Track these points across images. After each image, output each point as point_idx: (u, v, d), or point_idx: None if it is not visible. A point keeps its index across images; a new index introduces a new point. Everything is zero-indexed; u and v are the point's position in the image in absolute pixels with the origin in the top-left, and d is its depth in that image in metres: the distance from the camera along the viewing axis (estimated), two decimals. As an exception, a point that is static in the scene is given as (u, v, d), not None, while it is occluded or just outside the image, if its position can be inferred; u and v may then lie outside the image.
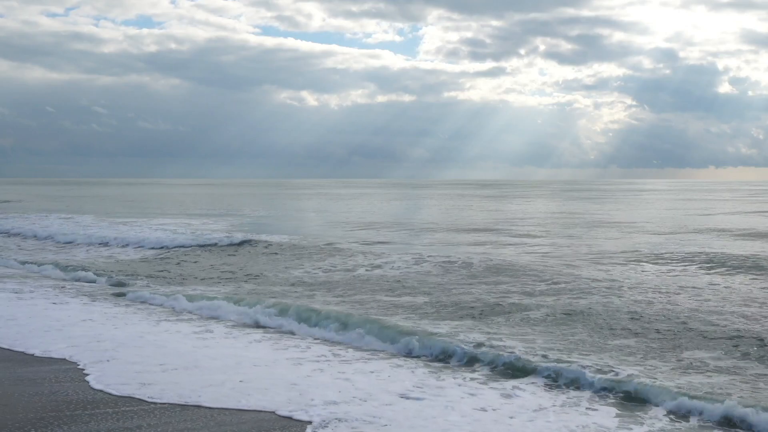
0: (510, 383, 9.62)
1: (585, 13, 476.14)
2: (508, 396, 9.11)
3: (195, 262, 23.55)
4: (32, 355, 10.94)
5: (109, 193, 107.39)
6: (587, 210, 53.91)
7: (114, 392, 9.02)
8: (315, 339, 12.39)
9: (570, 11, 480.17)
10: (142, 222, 38.75)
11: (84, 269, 21.11)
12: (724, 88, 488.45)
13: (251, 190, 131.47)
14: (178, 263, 23.34)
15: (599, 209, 54.78)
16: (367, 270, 20.39)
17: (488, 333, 12.22)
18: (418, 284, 17.78)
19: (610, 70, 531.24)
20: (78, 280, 19.67)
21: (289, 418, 8.21)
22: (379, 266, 20.91)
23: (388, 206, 63.84)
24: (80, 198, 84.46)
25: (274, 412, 8.37)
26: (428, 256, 22.31)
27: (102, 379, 9.60)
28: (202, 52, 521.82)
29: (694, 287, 16.70)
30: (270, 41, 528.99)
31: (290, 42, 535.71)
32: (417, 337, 11.63)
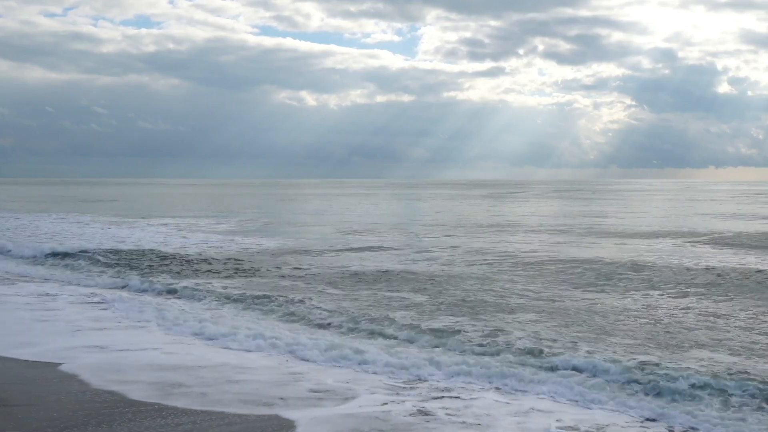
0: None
1: (583, 13, 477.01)
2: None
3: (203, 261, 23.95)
4: (50, 362, 11.30)
5: (110, 193, 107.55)
6: (584, 211, 54.30)
7: (129, 396, 9.35)
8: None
9: (568, 11, 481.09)
10: (142, 222, 39.29)
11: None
12: (724, 88, 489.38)
13: (251, 190, 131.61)
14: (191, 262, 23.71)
15: (597, 210, 55.17)
16: (364, 269, 20.86)
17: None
18: (428, 285, 18.19)
19: (609, 70, 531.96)
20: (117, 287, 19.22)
21: (280, 417, 8.64)
22: (376, 267, 21.38)
23: (388, 207, 64.26)
24: (71, 198, 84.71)
25: (278, 415, 8.83)
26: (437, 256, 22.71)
27: (108, 378, 10.03)
28: (201, 52, 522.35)
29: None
30: (269, 41, 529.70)
31: (289, 42, 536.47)
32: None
